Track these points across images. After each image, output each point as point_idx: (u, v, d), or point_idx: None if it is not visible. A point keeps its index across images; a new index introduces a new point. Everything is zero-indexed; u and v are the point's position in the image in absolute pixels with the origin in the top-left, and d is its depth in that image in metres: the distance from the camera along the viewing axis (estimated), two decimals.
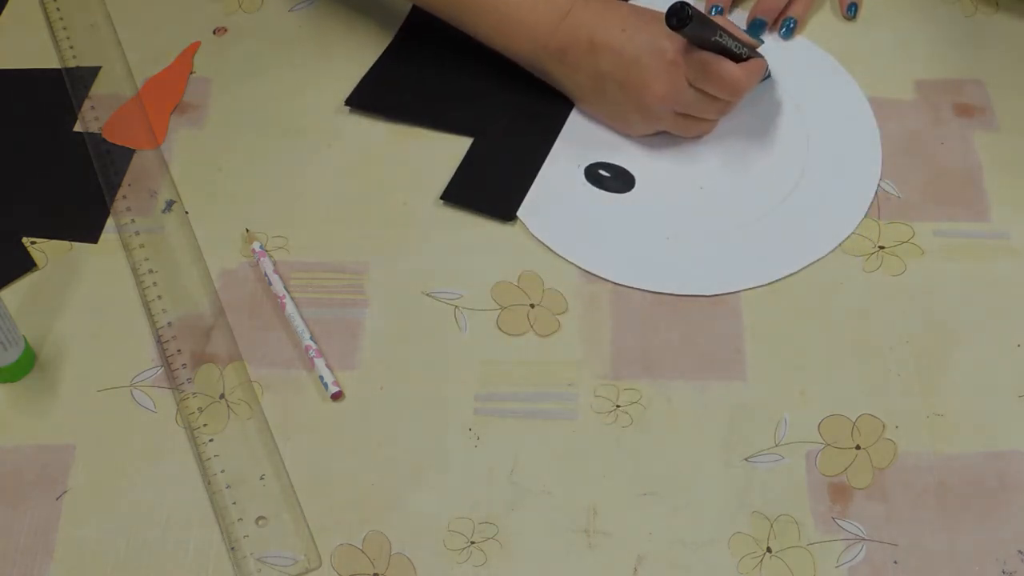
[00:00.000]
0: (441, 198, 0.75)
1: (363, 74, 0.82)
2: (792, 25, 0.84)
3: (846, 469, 0.64)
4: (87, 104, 0.81)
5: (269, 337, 0.69)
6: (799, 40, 0.84)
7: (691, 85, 0.73)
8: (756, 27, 0.83)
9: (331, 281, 0.72)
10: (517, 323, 0.70)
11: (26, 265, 0.73)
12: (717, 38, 0.71)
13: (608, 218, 0.74)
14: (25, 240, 0.74)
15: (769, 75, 0.80)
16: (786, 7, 0.84)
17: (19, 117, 0.80)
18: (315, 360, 0.68)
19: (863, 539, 0.61)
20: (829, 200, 0.75)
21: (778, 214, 0.74)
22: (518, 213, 0.75)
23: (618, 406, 0.66)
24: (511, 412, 0.66)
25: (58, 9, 0.87)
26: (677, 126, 0.76)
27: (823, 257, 0.72)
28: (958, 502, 0.62)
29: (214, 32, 0.85)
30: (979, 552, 0.61)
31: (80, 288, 0.72)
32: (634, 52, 0.73)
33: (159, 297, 0.71)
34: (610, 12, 0.75)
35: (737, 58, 0.73)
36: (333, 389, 0.67)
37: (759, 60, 0.75)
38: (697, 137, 0.77)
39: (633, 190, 0.76)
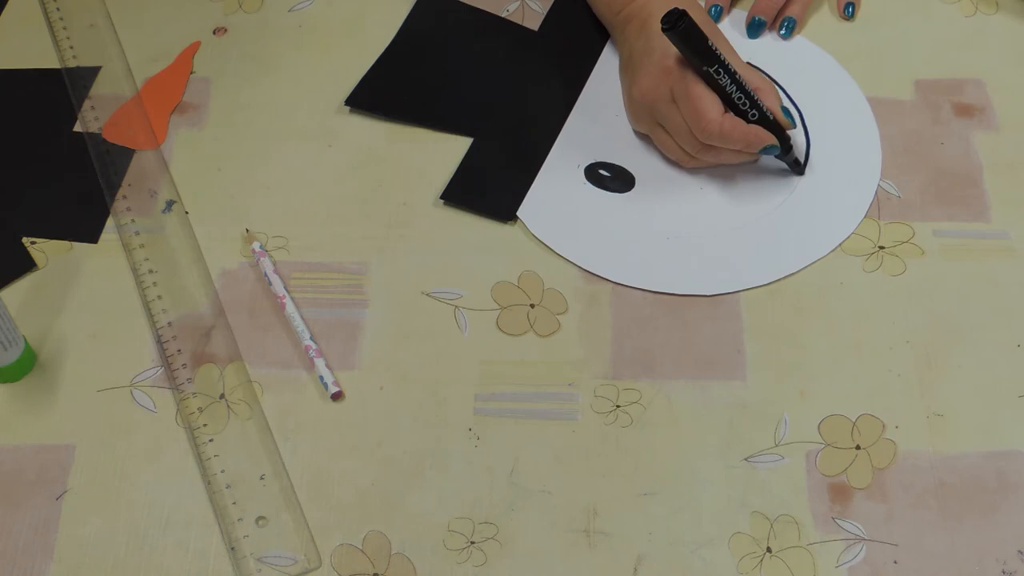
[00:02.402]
0: (441, 198, 0.75)
1: (363, 74, 0.82)
2: (791, 24, 0.83)
3: (846, 469, 0.64)
4: (87, 104, 0.81)
5: (269, 337, 0.69)
6: (799, 40, 0.84)
7: (673, 99, 0.73)
8: (755, 27, 0.83)
9: (331, 281, 0.72)
10: (517, 323, 0.70)
11: (26, 265, 0.73)
12: (709, 69, 0.70)
13: (608, 218, 0.74)
14: (25, 240, 0.74)
15: (798, 169, 0.76)
16: (784, 6, 0.84)
17: (19, 117, 0.80)
18: (315, 360, 0.68)
19: (863, 539, 0.61)
20: (829, 200, 0.75)
21: (778, 214, 0.74)
22: (518, 213, 0.75)
23: (618, 406, 0.66)
24: (511, 412, 0.66)
25: (58, 9, 0.87)
26: (654, 135, 0.76)
27: (823, 257, 0.72)
28: (958, 502, 0.62)
29: (214, 32, 0.85)
30: (979, 552, 0.61)
31: (80, 288, 0.72)
32: (656, 46, 0.73)
33: (159, 297, 0.71)
34: (674, 5, 0.75)
35: (738, 110, 0.71)
36: (333, 389, 0.67)
37: (759, 131, 0.71)
38: (675, 162, 0.76)
39: (633, 190, 0.76)
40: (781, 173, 0.76)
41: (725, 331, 0.69)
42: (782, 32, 0.84)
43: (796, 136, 0.77)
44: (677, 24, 0.68)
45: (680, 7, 0.69)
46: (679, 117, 0.72)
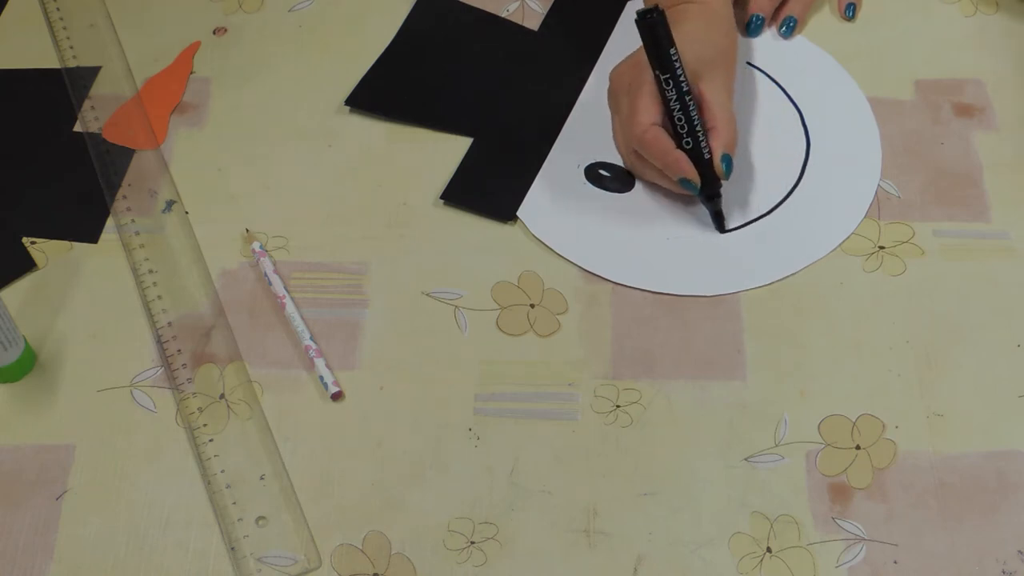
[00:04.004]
0: (441, 198, 0.75)
1: (363, 74, 0.82)
2: (792, 24, 0.83)
3: (846, 469, 0.64)
4: (87, 104, 0.81)
5: (269, 337, 0.69)
6: (799, 40, 0.84)
7: (628, 92, 0.73)
8: (754, 25, 0.83)
9: (331, 281, 0.72)
10: (517, 323, 0.70)
11: (26, 265, 0.73)
12: (661, 75, 0.69)
13: (608, 218, 0.74)
14: (25, 240, 0.74)
15: (719, 222, 0.73)
16: (785, 5, 0.84)
17: (19, 117, 0.80)
18: (315, 360, 0.68)
19: (863, 539, 0.61)
20: (829, 200, 0.75)
21: (778, 214, 0.74)
22: (518, 213, 0.75)
23: (618, 406, 0.66)
24: (511, 412, 0.66)
25: (58, 9, 0.87)
26: (613, 122, 0.76)
27: (823, 257, 0.72)
28: (958, 502, 0.62)
29: (214, 32, 0.85)
30: (979, 552, 0.61)
31: (80, 288, 0.72)
32: None
33: (159, 297, 0.71)
34: (706, 9, 0.74)
35: (675, 131, 0.70)
36: (333, 389, 0.67)
37: (680, 158, 0.69)
38: (623, 156, 0.76)
39: (633, 190, 0.76)
40: (780, 174, 0.76)
41: (725, 331, 0.69)
42: (783, 31, 0.84)
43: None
44: (646, 16, 0.68)
45: (658, 6, 0.69)
46: (625, 111, 0.73)
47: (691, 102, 0.70)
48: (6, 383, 0.68)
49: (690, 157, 0.70)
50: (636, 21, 0.69)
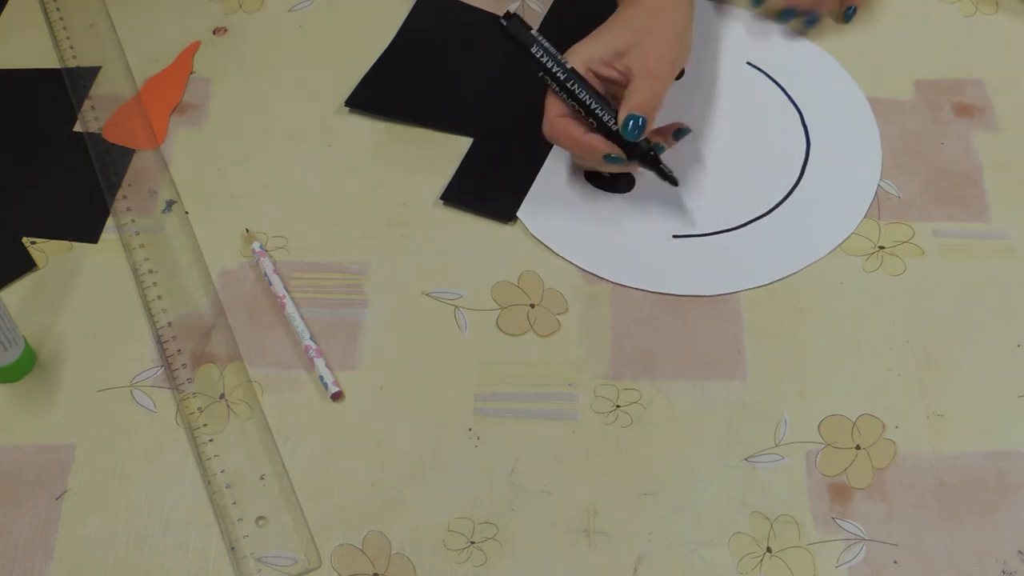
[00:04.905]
0: (441, 198, 0.75)
1: (363, 74, 0.82)
2: (851, 12, 0.84)
3: (846, 469, 0.64)
4: (87, 104, 0.81)
5: (269, 337, 0.69)
6: (799, 41, 0.84)
7: None
8: (785, 16, 0.83)
9: (331, 281, 0.72)
10: (517, 323, 0.70)
11: (26, 265, 0.73)
12: (539, 73, 0.70)
13: (608, 218, 0.74)
14: (25, 240, 0.74)
15: (668, 178, 0.72)
16: None
17: (19, 117, 0.80)
18: (315, 360, 0.68)
19: (863, 539, 0.61)
20: (829, 200, 0.75)
21: (778, 214, 0.74)
22: (518, 213, 0.75)
23: (618, 406, 0.66)
24: (511, 412, 0.66)
25: (58, 9, 0.87)
26: None
27: (823, 257, 0.72)
28: (958, 502, 0.62)
29: (214, 32, 0.85)
30: (979, 552, 0.61)
31: (80, 288, 0.72)
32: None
33: (159, 297, 0.71)
34: (676, 7, 0.75)
35: (590, 116, 0.71)
36: (333, 389, 0.67)
37: (592, 140, 0.70)
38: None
39: (633, 190, 0.76)
40: (780, 174, 0.76)
41: (725, 331, 0.69)
42: (846, 17, 0.84)
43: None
44: (509, 20, 0.70)
45: (513, 11, 0.71)
46: None
47: (575, 86, 0.70)
48: (6, 383, 0.68)
49: (603, 134, 0.71)
50: (500, 28, 0.70)
